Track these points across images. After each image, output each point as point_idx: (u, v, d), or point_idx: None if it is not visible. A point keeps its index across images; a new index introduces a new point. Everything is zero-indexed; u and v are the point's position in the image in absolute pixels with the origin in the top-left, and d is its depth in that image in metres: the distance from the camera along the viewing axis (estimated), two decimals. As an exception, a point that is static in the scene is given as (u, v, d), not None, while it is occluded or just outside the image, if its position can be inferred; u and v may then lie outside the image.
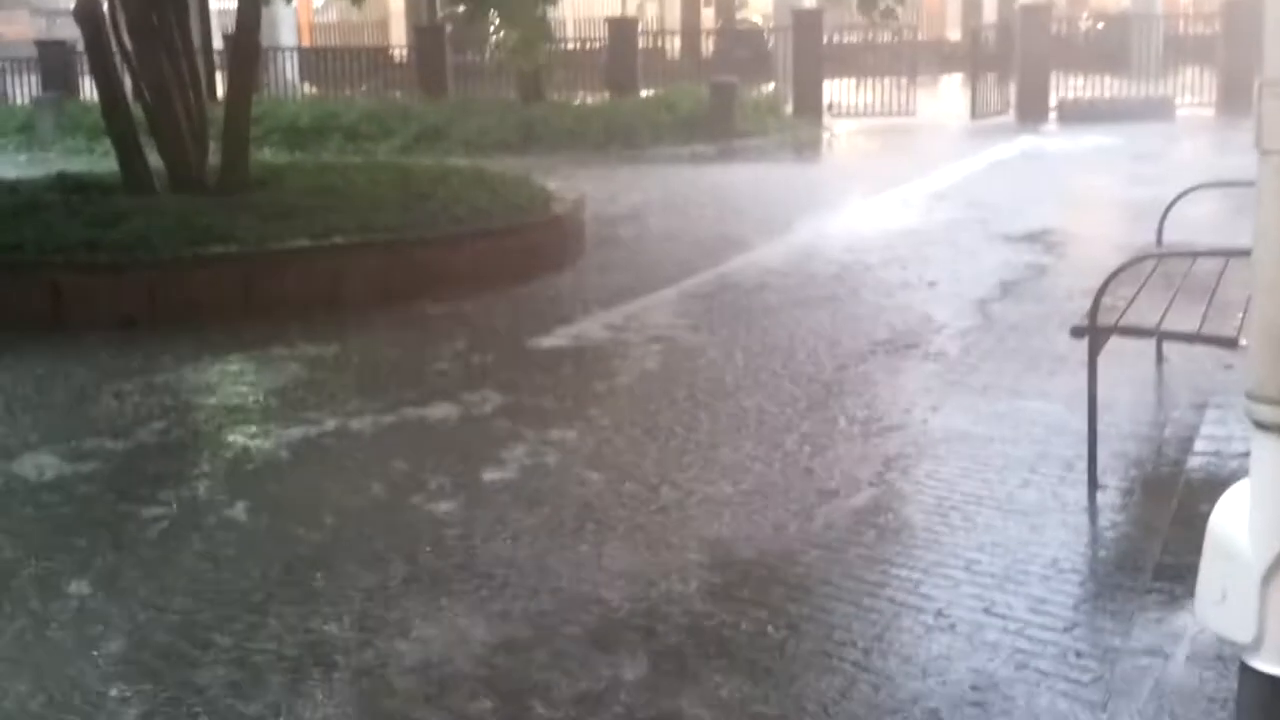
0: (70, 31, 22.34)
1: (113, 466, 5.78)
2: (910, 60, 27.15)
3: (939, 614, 4.05)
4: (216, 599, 4.30)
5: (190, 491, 5.43)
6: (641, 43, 26.38)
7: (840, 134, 23.67)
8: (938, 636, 3.90)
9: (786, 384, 6.79)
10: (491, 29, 21.25)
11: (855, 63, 27.03)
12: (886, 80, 26.20)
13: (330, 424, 6.29)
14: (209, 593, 4.35)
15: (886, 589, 4.24)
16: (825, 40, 25.80)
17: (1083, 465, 5.21)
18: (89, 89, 21.70)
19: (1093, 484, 5.11)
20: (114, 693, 3.69)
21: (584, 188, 12.53)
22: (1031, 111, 24.63)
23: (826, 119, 24.95)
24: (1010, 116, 25.24)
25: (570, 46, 27.15)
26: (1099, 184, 15.72)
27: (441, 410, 6.48)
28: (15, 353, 7.76)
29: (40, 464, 5.76)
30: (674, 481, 5.32)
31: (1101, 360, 5.27)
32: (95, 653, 3.95)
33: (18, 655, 3.93)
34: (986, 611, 4.05)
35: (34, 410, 6.74)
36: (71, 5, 11.84)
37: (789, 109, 24.73)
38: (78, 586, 4.46)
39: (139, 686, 3.72)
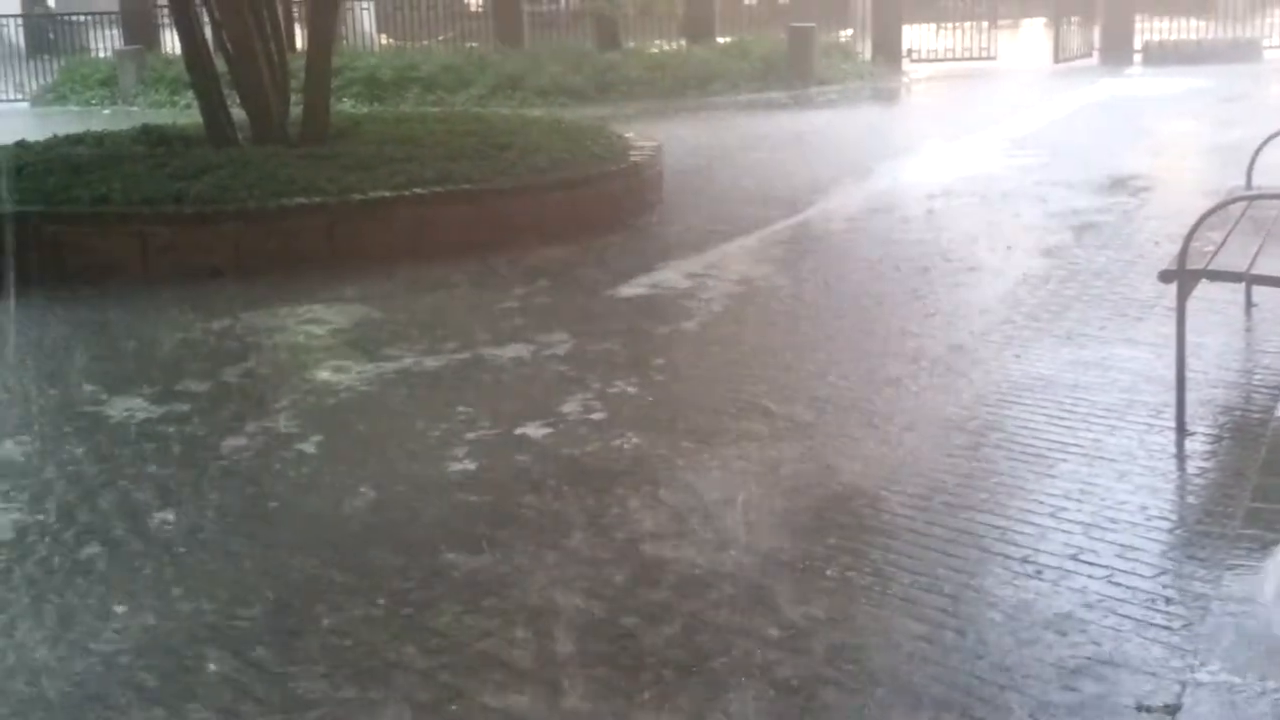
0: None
1: (198, 407, 5.91)
2: (991, 3, 26.81)
3: (1025, 560, 4.03)
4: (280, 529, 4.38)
5: (269, 426, 5.59)
6: (719, -12, 26.24)
7: (919, 79, 23.44)
8: (1024, 582, 3.88)
9: (867, 331, 6.76)
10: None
11: (934, 6, 26.75)
12: (967, 24, 25.89)
13: (407, 361, 6.48)
14: (280, 524, 4.44)
15: (972, 535, 4.23)
16: (904, -16, 25.53)
17: (1170, 412, 5.15)
18: (171, 42, 21.95)
19: (1181, 430, 5.06)
20: (192, 607, 3.77)
21: (661, 135, 12.50)
22: (1116, 54, 24.26)
23: (905, 64, 24.70)
24: (1094, 59, 24.88)
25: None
26: (1185, 127, 15.46)
27: (513, 350, 6.57)
28: (104, 303, 7.90)
29: (130, 407, 5.90)
30: (752, 430, 5.33)
31: (1189, 306, 5.20)
32: (181, 570, 4.08)
33: (109, 577, 4.02)
34: (1074, 558, 4.03)
35: (123, 357, 6.88)
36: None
37: (867, 54, 24.51)
38: (162, 516, 4.64)
39: (219, 603, 3.81)
